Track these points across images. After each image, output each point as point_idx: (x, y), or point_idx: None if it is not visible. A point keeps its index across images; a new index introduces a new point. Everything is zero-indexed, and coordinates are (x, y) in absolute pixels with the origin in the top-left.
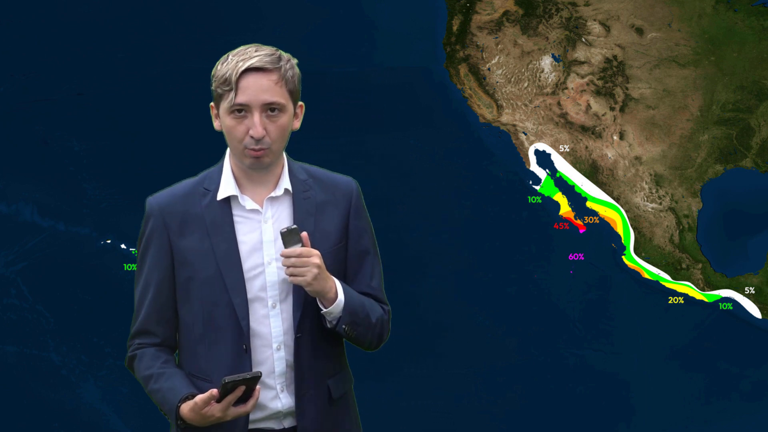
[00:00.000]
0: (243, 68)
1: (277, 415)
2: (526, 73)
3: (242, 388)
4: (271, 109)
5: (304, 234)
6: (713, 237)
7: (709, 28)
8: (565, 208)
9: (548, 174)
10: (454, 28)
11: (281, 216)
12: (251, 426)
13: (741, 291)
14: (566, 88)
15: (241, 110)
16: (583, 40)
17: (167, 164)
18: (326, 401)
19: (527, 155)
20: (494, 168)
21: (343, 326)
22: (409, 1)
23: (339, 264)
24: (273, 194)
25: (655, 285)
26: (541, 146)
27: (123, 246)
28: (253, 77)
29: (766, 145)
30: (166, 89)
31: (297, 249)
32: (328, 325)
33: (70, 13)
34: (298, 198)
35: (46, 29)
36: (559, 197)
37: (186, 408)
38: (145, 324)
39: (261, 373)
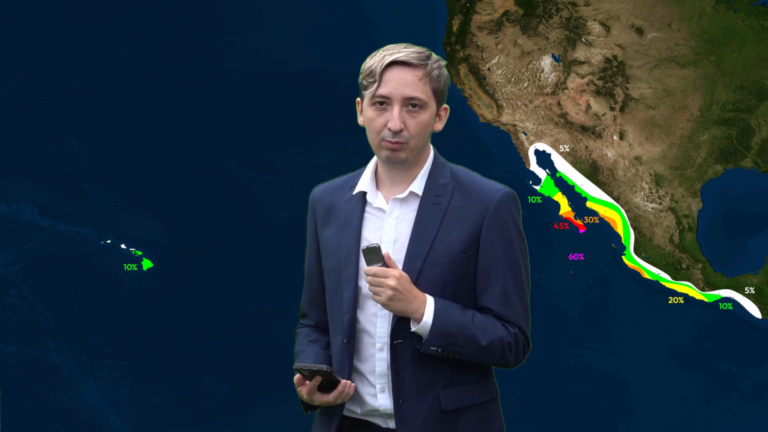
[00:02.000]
0: (388, 61)
1: (375, 413)
2: (526, 73)
3: (319, 378)
4: (412, 104)
5: (386, 253)
6: (713, 237)
7: (709, 28)
8: (565, 208)
9: (548, 174)
10: (454, 28)
11: (406, 218)
12: (359, 417)
13: (741, 291)
14: (566, 88)
15: (382, 102)
16: (583, 40)
17: (167, 164)
18: (433, 412)
19: (527, 155)
20: (494, 168)
21: (433, 348)
22: (409, 1)
23: (462, 274)
24: (399, 195)
25: (655, 285)
26: (541, 146)
27: (123, 246)
28: (398, 71)
29: (766, 145)
30: (166, 89)
31: (374, 268)
32: (417, 345)
33: (70, 13)
34: (426, 202)
35: (46, 29)
36: (559, 197)
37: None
38: (303, 306)
39: (327, 368)
